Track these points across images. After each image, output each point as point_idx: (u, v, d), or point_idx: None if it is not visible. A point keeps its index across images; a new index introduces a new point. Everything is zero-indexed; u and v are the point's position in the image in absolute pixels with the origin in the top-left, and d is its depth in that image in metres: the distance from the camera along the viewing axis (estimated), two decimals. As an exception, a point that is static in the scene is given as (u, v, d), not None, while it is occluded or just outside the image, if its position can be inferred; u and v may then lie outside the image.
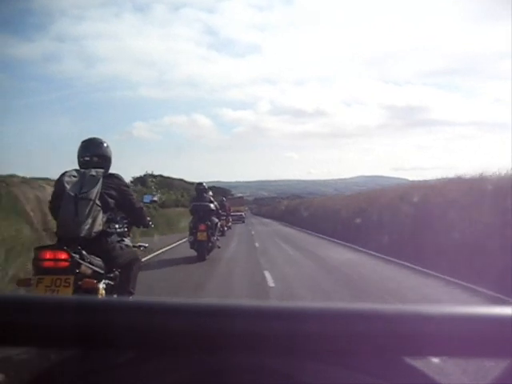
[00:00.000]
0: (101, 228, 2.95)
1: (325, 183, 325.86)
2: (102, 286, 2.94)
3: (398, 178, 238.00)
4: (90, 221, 2.87)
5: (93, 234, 2.89)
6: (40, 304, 0.47)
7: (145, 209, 3.57)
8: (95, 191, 2.93)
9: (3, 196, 9.39)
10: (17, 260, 6.18)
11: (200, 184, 10.18)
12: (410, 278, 7.30)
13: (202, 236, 9.24)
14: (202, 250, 9.28)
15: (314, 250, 12.05)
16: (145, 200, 4.48)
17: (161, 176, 39.14)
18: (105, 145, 3.27)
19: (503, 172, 8.47)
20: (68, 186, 2.94)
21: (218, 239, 10.55)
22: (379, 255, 10.12)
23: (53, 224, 3.76)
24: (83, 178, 2.99)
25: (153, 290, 5.76)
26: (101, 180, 2.99)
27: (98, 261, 2.93)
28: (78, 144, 3.29)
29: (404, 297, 5.58)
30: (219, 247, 10.63)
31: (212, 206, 9.84)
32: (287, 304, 0.48)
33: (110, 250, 3.06)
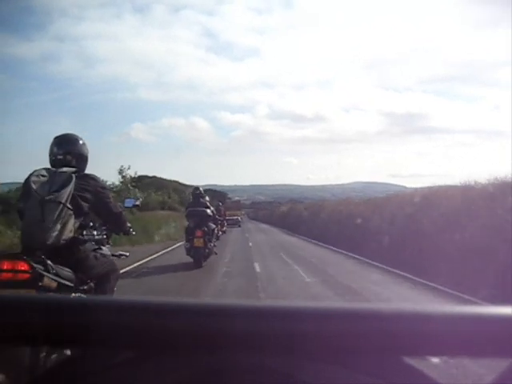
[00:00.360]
0: (71, 235, 2.62)
1: (322, 188, 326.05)
2: None
3: (395, 185, 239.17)
4: (58, 227, 2.54)
5: (62, 241, 2.56)
6: (40, 304, 0.47)
7: (124, 214, 3.26)
8: (66, 193, 2.59)
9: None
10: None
11: (196, 189, 10.10)
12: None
13: (198, 242, 9.13)
14: (199, 256, 9.19)
15: (345, 280, 7.65)
16: (126, 204, 4.12)
17: (150, 177, 38.36)
18: (81, 142, 2.93)
19: (500, 178, 8.37)
20: (35, 187, 2.59)
21: (215, 245, 10.46)
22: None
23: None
24: (53, 178, 2.65)
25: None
26: (73, 181, 2.65)
27: (67, 272, 2.59)
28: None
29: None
30: (216, 254, 10.41)
31: (209, 211, 9.74)
32: (287, 304, 0.48)
33: (83, 259, 2.72)
